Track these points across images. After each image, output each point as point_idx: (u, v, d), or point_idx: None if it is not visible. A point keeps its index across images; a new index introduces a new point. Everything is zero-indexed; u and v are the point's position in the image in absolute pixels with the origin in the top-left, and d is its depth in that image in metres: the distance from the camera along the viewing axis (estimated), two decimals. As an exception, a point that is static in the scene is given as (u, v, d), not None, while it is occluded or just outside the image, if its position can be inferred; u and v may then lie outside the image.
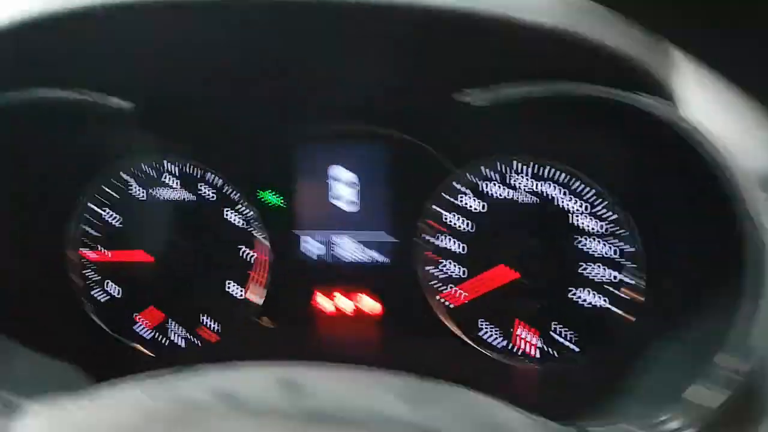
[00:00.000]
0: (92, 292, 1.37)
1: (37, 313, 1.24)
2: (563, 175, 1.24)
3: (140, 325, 1.37)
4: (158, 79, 1.03)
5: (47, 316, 1.28)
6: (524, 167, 1.26)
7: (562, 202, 1.24)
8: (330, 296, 1.34)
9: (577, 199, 1.24)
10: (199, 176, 1.35)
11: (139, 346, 1.37)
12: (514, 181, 1.26)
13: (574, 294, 1.24)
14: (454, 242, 1.29)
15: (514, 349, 1.27)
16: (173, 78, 1.03)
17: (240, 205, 1.35)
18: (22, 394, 0.70)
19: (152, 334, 1.37)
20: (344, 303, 1.33)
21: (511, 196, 1.26)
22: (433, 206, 1.29)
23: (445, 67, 0.92)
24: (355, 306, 1.33)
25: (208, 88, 1.08)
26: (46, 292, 1.31)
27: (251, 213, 1.34)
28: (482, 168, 1.26)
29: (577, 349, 1.25)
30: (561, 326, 1.25)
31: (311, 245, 1.34)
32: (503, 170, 1.27)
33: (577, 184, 1.24)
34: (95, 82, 0.97)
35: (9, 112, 0.97)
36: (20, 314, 1.17)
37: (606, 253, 1.22)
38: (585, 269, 1.23)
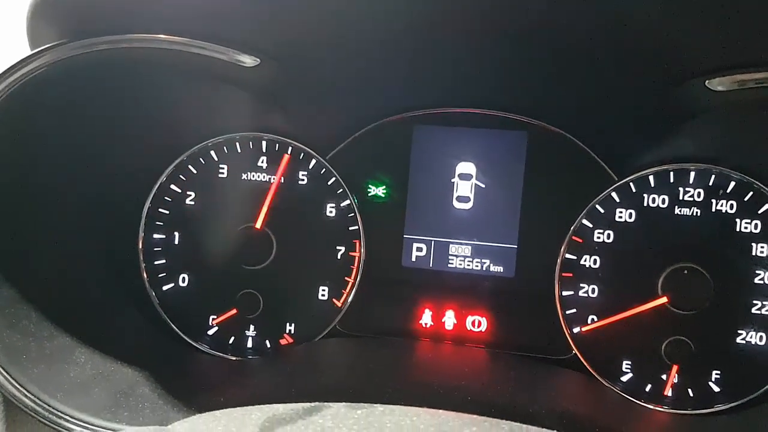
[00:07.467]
0: (162, 284, 1.19)
1: (99, 306, 1.09)
2: (751, 193, 1.03)
3: (213, 326, 1.19)
4: (289, 36, 0.88)
5: (109, 309, 1.12)
6: (704, 179, 1.06)
7: (743, 224, 1.03)
8: (439, 312, 1.15)
9: (759, 223, 1.03)
10: (300, 160, 1.16)
11: (214, 351, 1.18)
12: (687, 195, 1.05)
13: (743, 337, 1.04)
14: (603, 263, 1.08)
15: (661, 396, 1.07)
16: (305, 36, 0.89)
17: (343, 199, 1.15)
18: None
19: (224, 336, 1.19)
20: (453, 321, 1.15)
21: (681, 213, 1.05)
22: (584, 221, 1.08)
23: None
24: (465, 325, 1.15)
25: (337, 50, 0.93)
26: (112, 279, 1.14)
27: (355, 208, 1.15)
28: (651, 178, 1.06)
29: (735, 404, 1.05)
30: (721, 374, 1.05)
31: (423, 252, 1.15)
32: (676, 182, 1.06)
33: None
34: (222, 35, 0.85)
35: (112, 64, 0.88)
36: (79, 305, 1.04)
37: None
38: (761, 308, 1.03)
